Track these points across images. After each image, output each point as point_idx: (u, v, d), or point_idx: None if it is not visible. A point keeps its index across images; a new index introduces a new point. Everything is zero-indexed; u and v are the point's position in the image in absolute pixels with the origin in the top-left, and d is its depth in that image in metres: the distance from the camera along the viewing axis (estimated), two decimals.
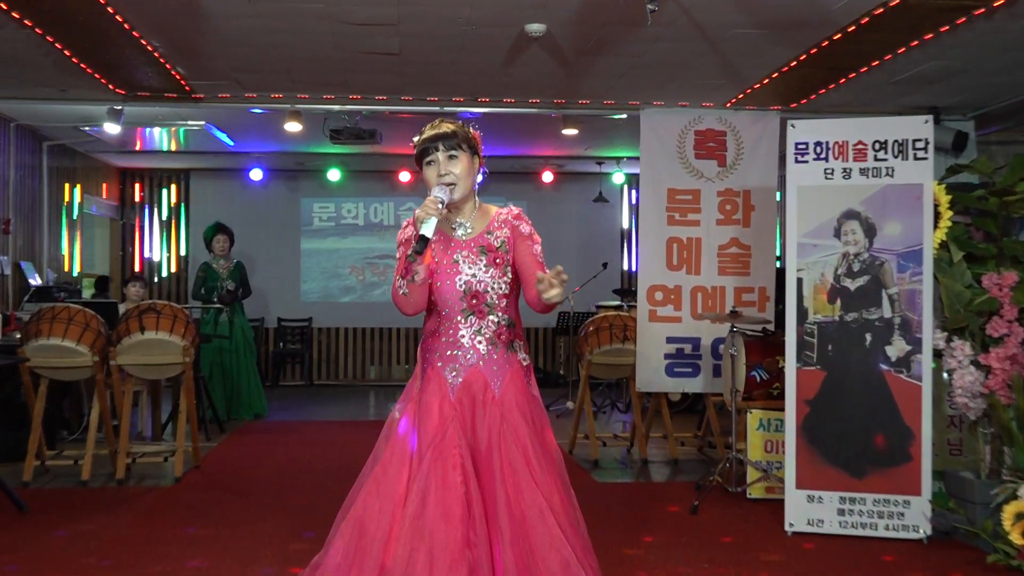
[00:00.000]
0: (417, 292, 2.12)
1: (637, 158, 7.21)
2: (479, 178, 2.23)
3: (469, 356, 2.16)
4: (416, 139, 2.18)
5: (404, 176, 8.78)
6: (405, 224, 2.16)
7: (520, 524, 1.96)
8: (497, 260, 2.17)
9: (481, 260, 2.19)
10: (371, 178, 9.30)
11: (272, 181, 9.20)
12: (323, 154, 8.35)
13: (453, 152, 2.20)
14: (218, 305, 6.58)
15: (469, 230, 2.20)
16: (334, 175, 8.89)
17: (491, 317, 2.17)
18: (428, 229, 2.06)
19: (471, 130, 2.21)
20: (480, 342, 2.19)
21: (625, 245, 9.66)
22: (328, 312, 9.27)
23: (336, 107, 5.94)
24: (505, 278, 2.17)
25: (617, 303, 8.03)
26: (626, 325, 5.75)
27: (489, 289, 2.16)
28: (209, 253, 6.89)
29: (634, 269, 9.22)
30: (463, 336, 2.19)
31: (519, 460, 2.01)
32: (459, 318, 2.16)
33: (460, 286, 2.16)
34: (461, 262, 2.17)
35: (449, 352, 2.16)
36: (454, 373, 2.16)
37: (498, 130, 6.99)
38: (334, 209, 9.48)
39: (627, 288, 9.10)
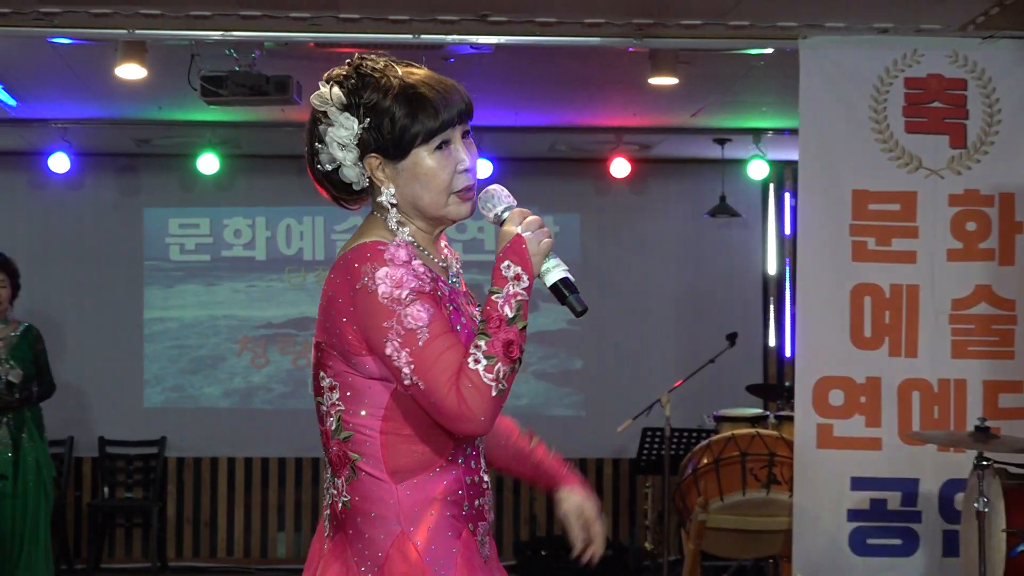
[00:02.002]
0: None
1: (793, 132, 6.27)
2: None
3: (488, 505, 2.06)
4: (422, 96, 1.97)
5: None
6: (404, 270, 1.91)
7: None
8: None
9: (478, 308, 2.07)
10: (279, 169, 8.08)
11: (91, 174, 8.21)
12: (188, 124, 7.43)
13: (467, 130, 2.03)
14: None
15: (456, 270, 2.08)
16: (209, 164, 7.77)
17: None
18: (559, 266, 1.95)
19: None
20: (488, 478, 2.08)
21: (771, 299, 8.51)
22: (195, 429, 8.15)
23: (213, 34, 5.26)
24: None
25: (756, 412, 6.67)
26: (773, 455, 5.24)
27: None
28: None
29: (788, 347, 8.21)
30: (484, 467, 2.04)
31: None
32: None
33: None
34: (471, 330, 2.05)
35: (478, 502, 2.01)
36: (485, 543, 2.03)
37: (526, 81, 6.42)
38: (208, 228, 8.31)
39: (774, 383, 8.09)
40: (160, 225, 8.11)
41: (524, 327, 1.90)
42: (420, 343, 1.87)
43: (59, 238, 8.05)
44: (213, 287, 8.15)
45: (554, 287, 1.95)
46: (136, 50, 5.41)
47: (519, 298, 1.88)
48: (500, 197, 1.98)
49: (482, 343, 1.87)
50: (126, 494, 7.96)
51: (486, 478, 2.06)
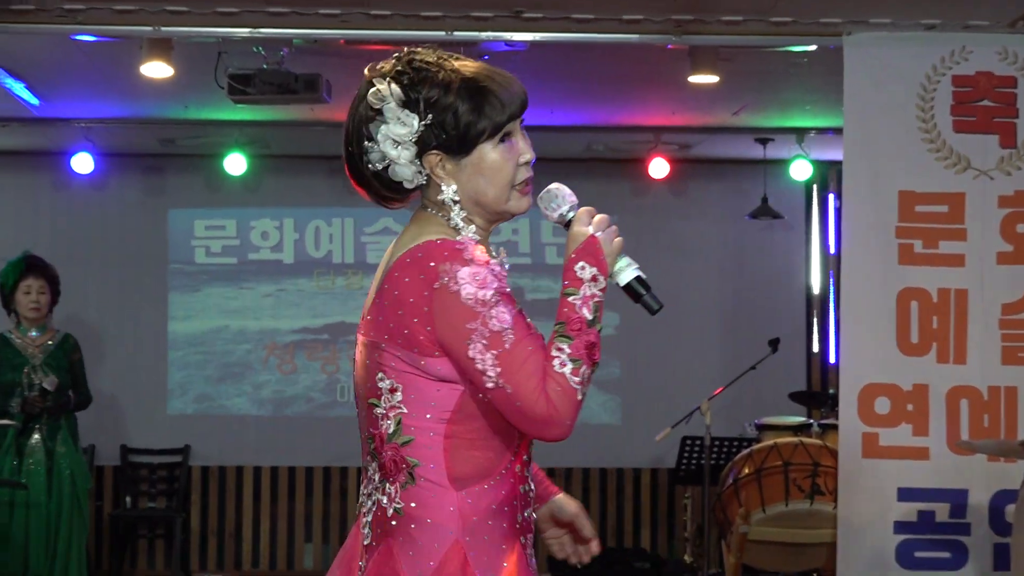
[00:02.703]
0: None
1: (837, 132, 6.62)
2: None
3: (534, 516, 2.08)
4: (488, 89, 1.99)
5: None
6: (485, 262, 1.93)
7: None
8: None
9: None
10: (307, 170, 8.22)
11: (115, 175, 8.30)
12: (215, 124, 7.55)
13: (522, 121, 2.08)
14: (14, 423, 5.89)
15: (506, 262, 2.06)
16: (236, 164, 7.87)
17: None
18: (631, 265, 1.99)
19: None
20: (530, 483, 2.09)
21: (815, 304, 8.60)
22: (221, 438, 8.22)
23: (241, 31, 5.34)
24: None
25: (799, 420, 6.64)
26: (817, 464, 5.35)
27: None
28: (7, 314, 6.22)
29: (832, 353, 8.31)
30: (528, 474, 2.06)
31: None
32: (520, 439, 2.03)
33: None
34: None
35: (527, 512, 2.04)
36: (532, 556, 2.06)
37: (561, 79, 6.51)
38: (235, 231, 8.38)
39: (818, 391, 8.10)
40: (186, 227, 8.14)
41: (601, 328, 1.92)
42: (507, 345, 1.86)
43: (82, 240, 8.07)
44: (240, 291, 8.17)
45: (628, 287, 1.98)
46: (162, 47, 5.45)
47: (596, 299, 1.90)
48: (564, 196, 2.01)
49: (565, 346, 1.88)
50: (149, 504, 7.99)
51: (532, 488, 2.08)
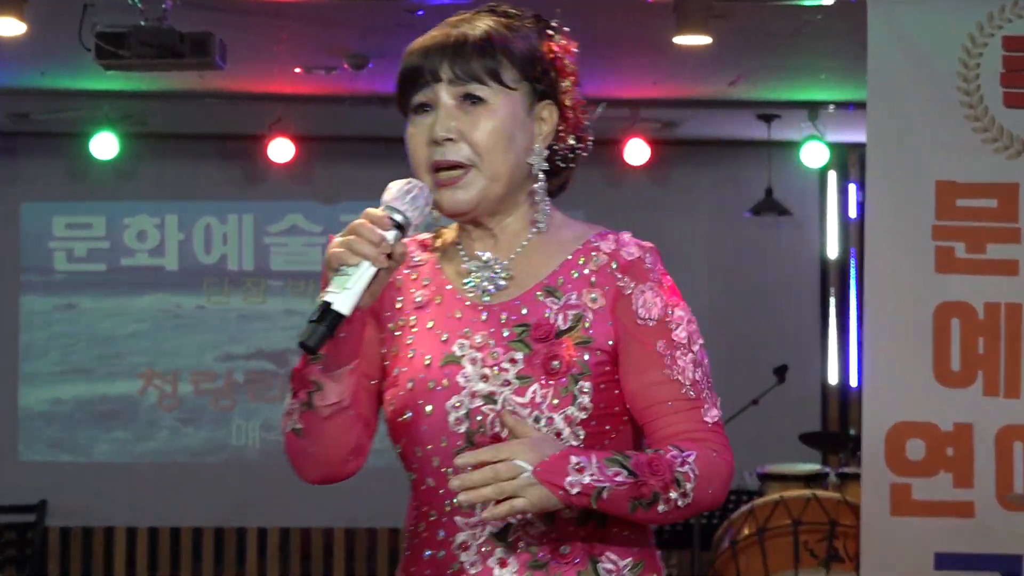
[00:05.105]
0: (332, 431, 2.04)
1: (859, 107, 6.59)
2: (557, 156, 2.11)
3: None
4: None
5: (280, 150, 7.88)
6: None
7: None
8: (558, 362, 2.04)
9: (519, 354, 2.04)
10: (198, 154, 8.21)
11: None
12: (79, 95, 7.44)
13: (475, 88, 2.03)
14: None
15: (505, 278, 2.08)
16: (106, 146, 7.76)
17: (534, 521, 2.06)
18: (346, 295, 1.93)
19: (544, 29, 2.10)
20: (508, 567, 2.03)
21: (831, 323, 8.53)
22: (85, 491, 8.02)
23: None
24: (578, 406, 2.02)
25: (812, 468, 6.78)
26: (834, 524, 5.21)
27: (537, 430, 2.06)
28: None
29: (853, 384, 8.24)
30: (463, 544, 2.03)
31: None
32: (445, 517, 2.04)
33: (456, 414, 2.03)
34: (465, 355, 2.05)
35: None
36: None
37: None
38: (104, 229, 8.30)
39: (835, 431, 8.10)
40: (42, 225, 8.19)
41: (313, 355, 1.95)
42: None
43: None
44: (110, 304, 8.21)
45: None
46: None
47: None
48: (403, 202, 2.00)
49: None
50: None
51: (464, 561, 2.10)
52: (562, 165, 2.13)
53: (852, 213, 8.49)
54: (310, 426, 2.02)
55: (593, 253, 2.07)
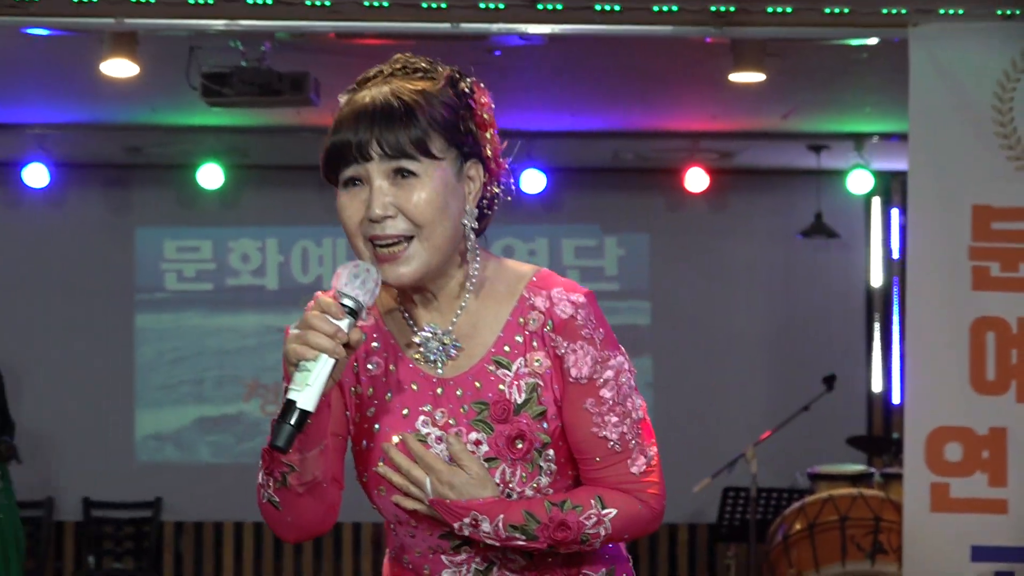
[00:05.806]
0: (306, 502, 2.01)
1: (901, 138, 6.78)
2: (479, 212, 2.05)
3: None
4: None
5: None
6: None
7: None
8: (521, 441, 2.00)
9: (482, 435, 2.00)
10: (293, 183, 8.36)
11: (73, 189, 8.45)
12: (187, 130, 7.61)
13: (405, 163, 1.95)
14: None
15: (456, 347, 2.03)
16: (212, 176, 8.08)
17: (515, 556, 2.06)
18: (309, 392, 1.88)
19: (461, 89, 2.02)
20: None
21: (876, 335, 8.65)
22: (196, 489, 8.32)
23: (216, 23, 5.46)
24: (545, 473, 2.01)
25: (858, 469, 6.85)
26: (878, 519, 5.45)
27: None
28: None
29: (896, 392, 8.32)
30: None
31: None
32: (431, 553, 2.06)
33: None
34: (430, 433, 2.01)
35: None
36: None
37: (584, 78, 6.67)
38: (211, 252, 8.56)
39: (880, 435, 8.19)
40: (154, 248, 8.32)
41: (280, 448, 1.87)
42: None
43: (36, 263, 8.22)
44: (216, 321, 8.31)
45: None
46: (126, 43, 5.55)
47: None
48: (354, 287, 1.93)
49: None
50: (115, 564, 8.14)
51: None
52: (488, 213, 2.08)
53: (895, 237, 8.44)
54: (286, 500, 1.99)
55: (531, 313, 2.02)
